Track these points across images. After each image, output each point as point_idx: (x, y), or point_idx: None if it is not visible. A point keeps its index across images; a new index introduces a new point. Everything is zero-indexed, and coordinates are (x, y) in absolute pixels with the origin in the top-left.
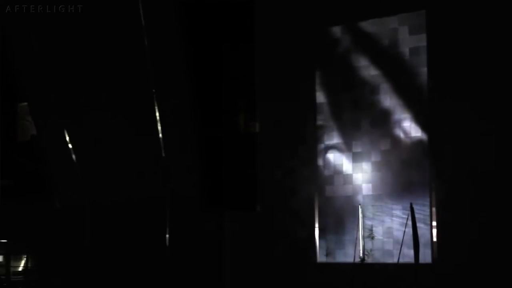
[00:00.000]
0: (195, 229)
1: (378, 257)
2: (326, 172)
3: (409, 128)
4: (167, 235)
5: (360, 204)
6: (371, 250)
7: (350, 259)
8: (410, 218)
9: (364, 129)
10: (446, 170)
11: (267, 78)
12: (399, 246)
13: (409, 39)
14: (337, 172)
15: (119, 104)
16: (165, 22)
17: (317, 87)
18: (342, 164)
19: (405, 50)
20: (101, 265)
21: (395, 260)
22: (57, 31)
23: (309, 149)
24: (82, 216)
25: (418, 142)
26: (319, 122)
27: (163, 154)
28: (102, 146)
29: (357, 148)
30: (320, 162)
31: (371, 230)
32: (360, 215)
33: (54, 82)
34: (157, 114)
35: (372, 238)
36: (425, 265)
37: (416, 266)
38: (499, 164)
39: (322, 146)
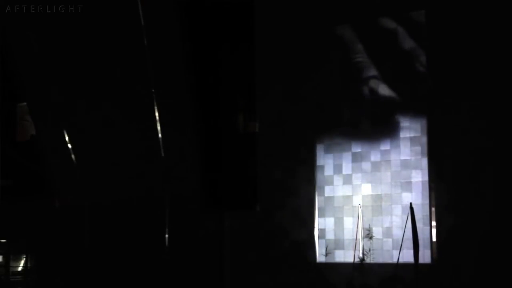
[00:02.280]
0: (195, 229)
1: (378, 257)
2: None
3: (409, 128)
4: (167, 235)
5: (359, 204)
6: (370, 250)
7: (349, 259)
8: (409, 218)
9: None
10: (446, 170)
11: (267, 78)
12: (399, 246)
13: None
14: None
15: (118, 104)
16: (165, 22)
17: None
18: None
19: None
20: (101, 265)
21: (394, 260)
22: (57, 31)
23: (309, 149)
24: (82, 216)
25: (417, 142)
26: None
27: (163, 154)
28: (101, 146)
29: (357, 148)
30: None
31: (369, 230)
32: (360, 215)
33: (54, 82)
34: (157, 114)
35: (371, 238)
36: (425, 265)
37: (415, 266)
38: (499, 164)
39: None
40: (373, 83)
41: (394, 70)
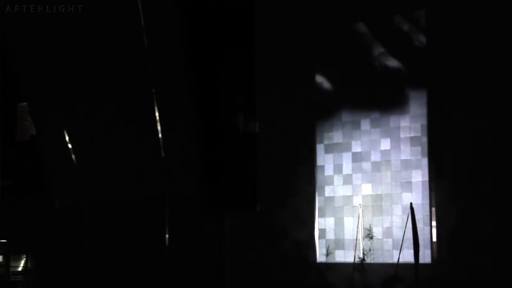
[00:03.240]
0: (195, 229)
1: (378, 257)
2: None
3: (409, 128)
4: (167, 235)
5: (359, 204)
6: (370, 250)
7: (350, 259)
8: (410, 218)
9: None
10: (446, 170)
11: (267, 78)
12: (399, 246)
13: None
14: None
15: (118, 104)
16: (165, 22)
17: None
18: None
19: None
20: (101, 265)
21: (394, 260)
22: (57, 31)
23: (309, 149)
24: (82, 216)
25: (418, 142)
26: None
27: (163, 154)
28: (101, 146)
29: (357, 148)
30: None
31: (369, 230)
32: (360, 215)
33: (54, 82)
34: (157, 114)
35: (371, 238)
36: (425, 265)
37: (415, 266)
38: (499, 164)
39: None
40: (373, 83)
41: (394, 71)
